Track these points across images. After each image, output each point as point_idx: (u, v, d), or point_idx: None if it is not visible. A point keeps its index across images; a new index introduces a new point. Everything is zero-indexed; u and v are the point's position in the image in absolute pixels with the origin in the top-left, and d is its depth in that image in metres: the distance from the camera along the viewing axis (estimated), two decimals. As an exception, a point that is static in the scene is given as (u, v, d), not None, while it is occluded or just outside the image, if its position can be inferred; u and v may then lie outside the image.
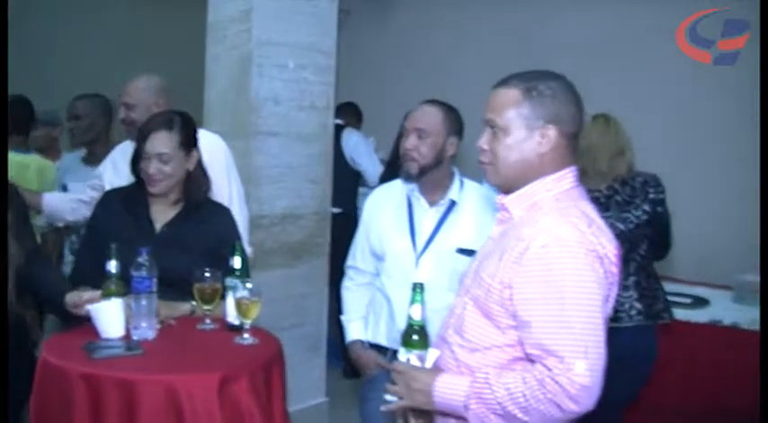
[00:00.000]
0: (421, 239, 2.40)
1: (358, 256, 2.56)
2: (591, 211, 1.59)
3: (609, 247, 1.54)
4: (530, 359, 1.51)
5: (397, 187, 2.51)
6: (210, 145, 2.74)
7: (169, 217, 2.36)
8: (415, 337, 1.65)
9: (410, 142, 2.36)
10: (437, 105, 2.42)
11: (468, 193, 2.43)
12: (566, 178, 1.60)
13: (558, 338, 1.45)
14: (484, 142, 1.61)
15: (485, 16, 5.21)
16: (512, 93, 1.58)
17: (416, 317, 1.65)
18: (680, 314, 3.07)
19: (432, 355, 1.63)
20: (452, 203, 2.40)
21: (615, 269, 1.57)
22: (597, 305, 1.48)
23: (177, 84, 2.91)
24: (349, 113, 4.97)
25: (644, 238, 2.72)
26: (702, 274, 3.81)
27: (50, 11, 5.09)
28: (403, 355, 1.65)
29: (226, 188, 2.79)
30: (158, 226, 2.35)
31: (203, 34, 3.52)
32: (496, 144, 1.59)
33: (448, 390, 1.54)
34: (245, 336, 2.08)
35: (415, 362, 1.63)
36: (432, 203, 2.42)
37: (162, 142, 2.28)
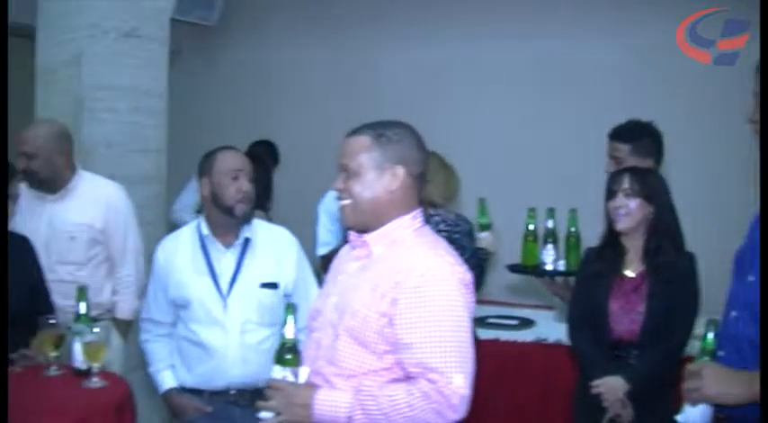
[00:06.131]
0: (224, 281, 2.47)
1: (153, 308, 2.61)
2: (446, 245, 1.84)
3: (467, 275, 1.79)
4: (408, 378, 1.66)
5: (184, 234, 2.58)
6: (107, 194, 2.89)
7: None
8: (288, 355, 1.75)
9: (246, 185, 2.47)
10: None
11: (258, 231, 2.53)
12: (418, 217, 1.85)
13: (438, 357, 1.66)
14: (339, 184, 1.78)
15: (318, 58, 5.26)
16: (362, 139, 1.78)
17: (289, 335, 1.76)
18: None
19: (304, 371, 1.74)
20: (246, 241, 2.49)
21: (471, 295, 1.81)
22: (467, 326, 1.73)
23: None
24: (265, 152, 4.76)
25: None
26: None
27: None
28: (278, 372, 1.74)
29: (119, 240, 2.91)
30: None
31: (31, 79, 3.43)
32: (351, 185, 1.76)
33: (329, 403, 1.66)
34: (94, 379, 2.14)
35: (290, 378, 1.72)
36: (227, 246, 2.49)
37: None
